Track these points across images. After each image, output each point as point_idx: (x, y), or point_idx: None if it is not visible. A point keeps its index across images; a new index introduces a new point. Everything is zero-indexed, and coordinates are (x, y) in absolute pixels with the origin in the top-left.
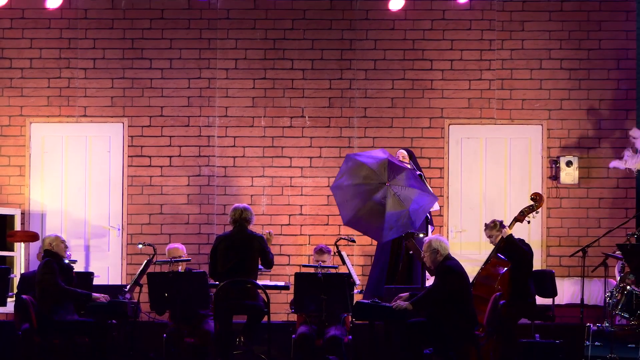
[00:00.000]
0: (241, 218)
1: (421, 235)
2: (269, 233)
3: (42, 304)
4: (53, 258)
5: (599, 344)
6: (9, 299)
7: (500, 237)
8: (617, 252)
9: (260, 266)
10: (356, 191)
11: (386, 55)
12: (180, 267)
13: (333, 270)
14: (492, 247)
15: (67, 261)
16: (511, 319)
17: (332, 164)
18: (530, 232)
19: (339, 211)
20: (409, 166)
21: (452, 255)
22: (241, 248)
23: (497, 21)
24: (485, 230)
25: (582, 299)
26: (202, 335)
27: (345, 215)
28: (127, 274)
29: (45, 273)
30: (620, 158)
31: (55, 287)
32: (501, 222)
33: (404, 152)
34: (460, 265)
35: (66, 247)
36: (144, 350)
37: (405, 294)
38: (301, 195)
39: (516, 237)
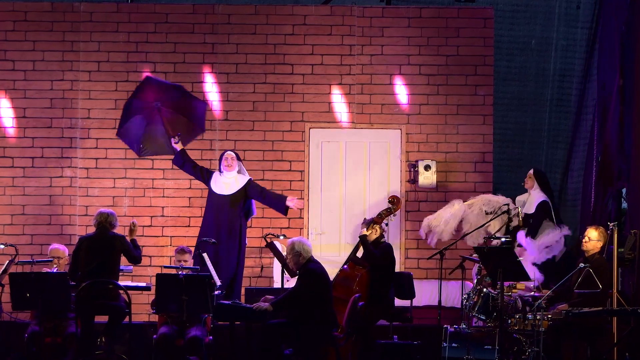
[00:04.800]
0: (106, 221)
1: (281, 237)
2: (133, 223)
3: None
4: None
5: (455, 345)
6: None
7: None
8: (474, 255)
9: (125, 266)
10: None
11: (248, 60)
12: (56, 268)
13: (194, 272)
14: (351, 249)
15: None
16: (370, 320)
17: None
18: (389, 235)
19: None
20: (236, 168)
21: (315, 258)
22: (103, 249)
23: (357, 27)
24: (362, 224)
25: (439, 301)
26: (63, 336)
27: None
28: None
29: None
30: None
31: None
32: (371, 220)
33: (232, 154)
34: (323, 267)
35: None
36: (5, 350)
37: (272, 297)
38: (163, 197)
39: (388, 241)
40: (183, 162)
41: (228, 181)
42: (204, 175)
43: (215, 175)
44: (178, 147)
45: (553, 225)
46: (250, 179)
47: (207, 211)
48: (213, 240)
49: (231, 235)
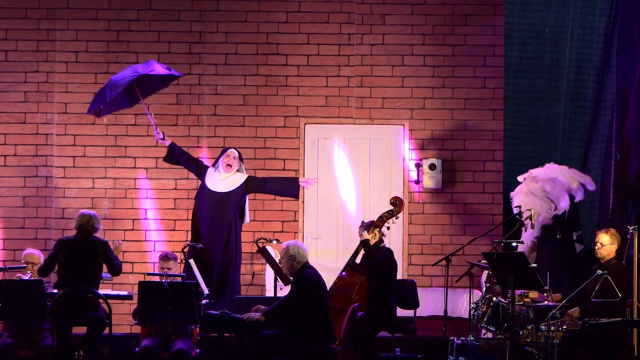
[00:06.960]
0: (88, 224)
1: (274, 242)
2: (115, 242)
3: None
4: None
5: (463, 358)
6: None
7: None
8: (483, 261)
9: (106, 274)
10: None
11: (238, 49)
12: (30, 274)
13: (180, 279)
14: (349, 255)
15: None
16: (370, 332)
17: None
18: (391, 239)
19: None
20: (236, 168)
21: (311, 264)
22: (84, 255)
23: (356, 14)
24: (359, 228)
25: (445, 311)
26: (38, 349)
27: None
28: None
29: None
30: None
31: None
32: (370, 223)
33: (235, 153)
34: (319, 274)
35: None
36: None
37: (264, 307)
38: (146, 198)
39: (387, 246)
40: (177, 156)
41: (226, 178)
42: (199, 170)
43: (210, 170)
44: (167, 142)
45: None
46: (249, 176)
47: (198, 210)
48: (200, 245)
49: (229, 237)
